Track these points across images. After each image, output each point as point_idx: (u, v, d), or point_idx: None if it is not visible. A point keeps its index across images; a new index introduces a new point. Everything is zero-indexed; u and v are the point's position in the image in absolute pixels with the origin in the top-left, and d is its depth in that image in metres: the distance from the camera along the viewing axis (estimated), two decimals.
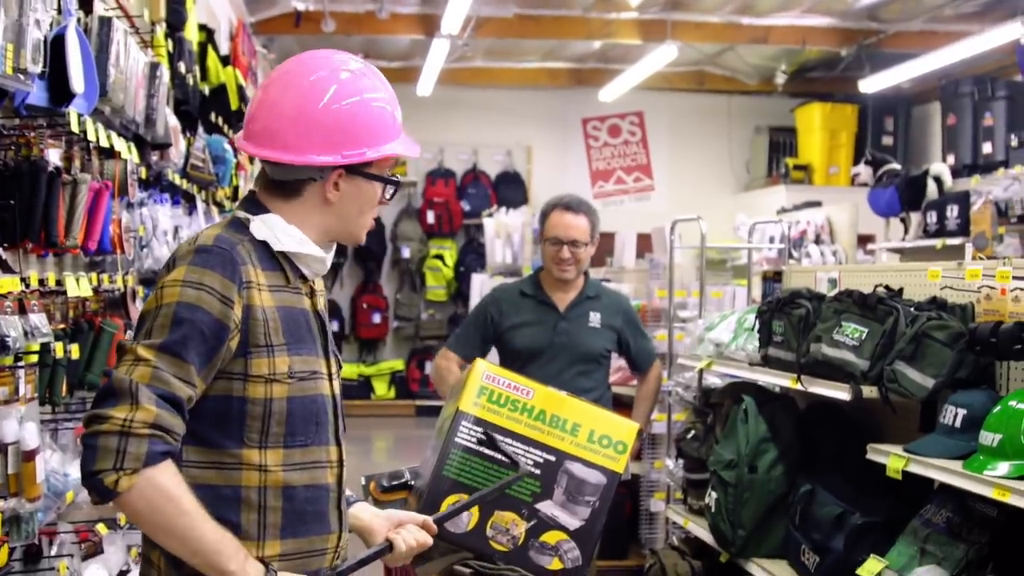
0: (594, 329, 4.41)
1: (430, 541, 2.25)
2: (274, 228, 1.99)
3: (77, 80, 3.17)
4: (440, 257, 12.75)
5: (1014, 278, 2.94)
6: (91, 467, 1.76)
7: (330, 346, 2.10)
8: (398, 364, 12.87)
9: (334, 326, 12.19)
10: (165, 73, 4.43)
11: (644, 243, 8.00)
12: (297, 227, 2.02)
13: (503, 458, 2.79)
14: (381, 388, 12.73)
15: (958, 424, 2.97)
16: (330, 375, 2.07)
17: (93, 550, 3.41)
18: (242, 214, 2.02)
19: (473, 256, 12.38)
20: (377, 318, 12.87)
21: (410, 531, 2.22)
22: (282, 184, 2.03)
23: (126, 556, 3.64)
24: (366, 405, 12.28)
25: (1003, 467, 2.72)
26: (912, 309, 3.23)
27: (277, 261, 2.00)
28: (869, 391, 3.22)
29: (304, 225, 2.03)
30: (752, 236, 5.86)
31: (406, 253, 12.80)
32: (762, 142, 12.92)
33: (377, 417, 12.04)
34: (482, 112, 12.88)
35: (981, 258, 3.94)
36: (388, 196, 2.10)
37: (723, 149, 13.07)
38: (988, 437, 2.79)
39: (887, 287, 3.50)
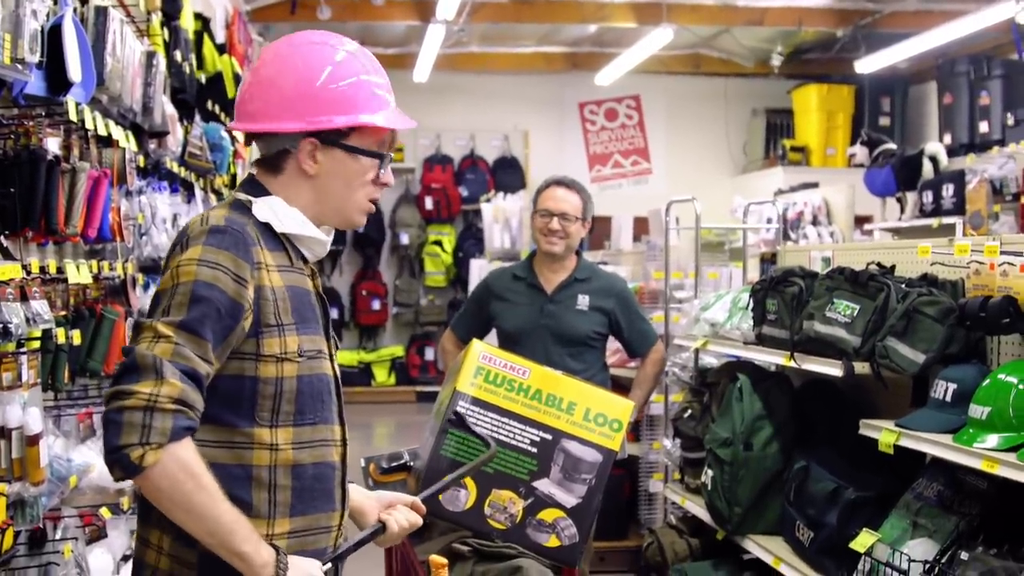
0: (581, 312, 4.44)
1: (420, 521, 2.26)
2: (276, 210, 2.01)
3: (74, 69, 3.20)
4: (439, 243, 12.79)
5: (1002, 253, 2.98)
6: (116, 442, 1.75)
7: (330, 327, 2.13)
8: (398, 350, 12.91)
9: (334, 313, 12.23)
10: (162, 62, 4.46)
11: (641, 226, 8.04)
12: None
13: (481, 439, 2.82)
14: (381, 374, 12.78)
15: (949, 398, 3.02)
16: (331, 355, 2.09)
17: (97, 534, 3.46)
18: (243, 196, 2.03)
19: (472, 241, 12.42)
20: (377, 304, 12.91)
21: (401, 512, 2.22)
22: (266, 161, 2.06)
23: (129, 540, 3.70)
24: (367, 392, 12.33)
25: (992, 439, 2.76)
26: (903, 286, 3.27)
27: (280, 242, 2.01)
28: (861, 367, 3.26)
29: (295, 204, 2.04)
30: (747, 217, 5.89)
31: (405, 239, 12.83)
32: (759, 124, 12.95)
33: (378, 404, 12.09)
34: (479, 97, 12.90)
35: (973, 235, 3.98)
36: (382, 176, 2.07)
37: (720, 132, 13.09)
38: (977, 410, 2.83)
39: (879, 264, 3.54)
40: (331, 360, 2.09)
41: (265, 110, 2.02)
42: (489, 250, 9.43)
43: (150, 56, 4.27)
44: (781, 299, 3.72)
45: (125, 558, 3.62)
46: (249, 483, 1.93)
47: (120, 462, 1.76)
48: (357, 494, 2.25)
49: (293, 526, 1.97)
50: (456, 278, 12.63)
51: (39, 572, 3.12)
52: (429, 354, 12.74)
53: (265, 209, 2.00)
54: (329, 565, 2.04)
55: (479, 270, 8.86)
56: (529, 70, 12.75)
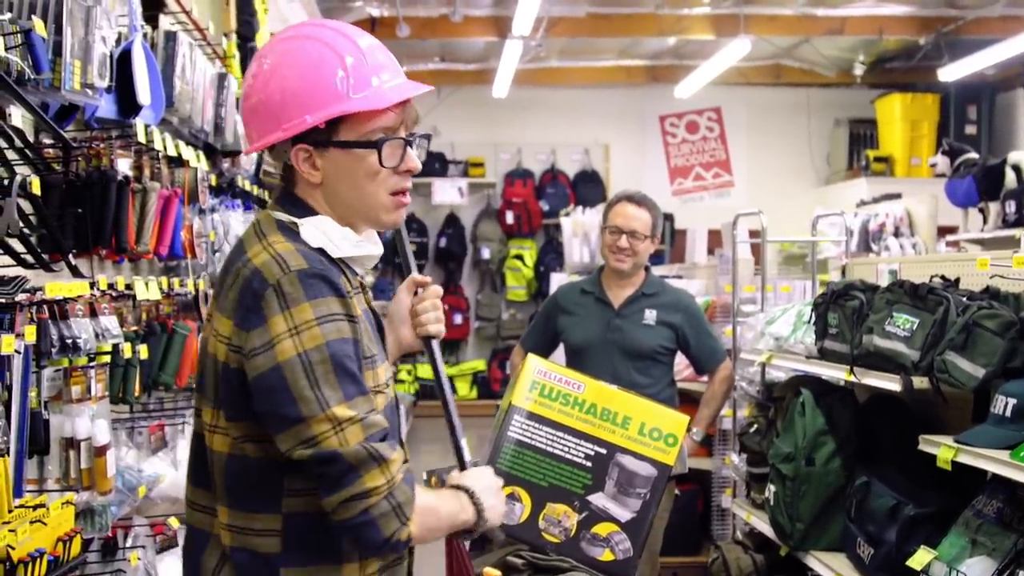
0: (648, 327, 4.44)
1: (438, 290, 2.25)
2: (328, 233, 1.86)
3: (143, 93, 3.31)
4: (520, 257, 12.85)
5: None
6: (381, 537, 1.75)
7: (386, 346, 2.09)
8: (480, 364, 12.99)
9: None
10: (234, 83, 4.57)
11: (715, 239, 8.00)
12: None
13: (558, 450, 2.84)
14: (463, 388, 12.87)
15: (1008, 413, 2.96)
16: (391, 378, 2.01)
17: (167, 543, 3.55)
18: (285, 217, 1.87)
19: (552, 255, 12.46)
20: (459, 319, 13.01)
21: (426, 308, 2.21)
22: (283, 179, 1.94)
23: None
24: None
25: None
26: (964, 299, 3.22)
27: (337, 265, 1.86)
28: (920, 382, 3.22)
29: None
30: (816, 230, 5.83)
31: (486, 254, 12.91)
32: (842, 135, 12.78)
33: (462, 418, 12.15)
34: (559, 112, 12.94)
35: None
36: (405, 161, 1.89)
37: (803, 143, 12.96)
38: None
39: (943, 277, 3.49)
40: (393, 384, 2.04)
41: (255, 129, 1.89)
42: (569, 264, 9.45)
43: (221, 78, 4.39)
44: (842, 313, 3.69)
45: None
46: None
47: (395, 549, 1.80)
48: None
49: (381, 563, 1.92)
50: (537, 292, 12.68)
51: None
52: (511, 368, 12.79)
53: (316, 234, 1.85)
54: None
55: (559, 284, 8.88)
56: (609, 83, 12.76)
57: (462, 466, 2.26)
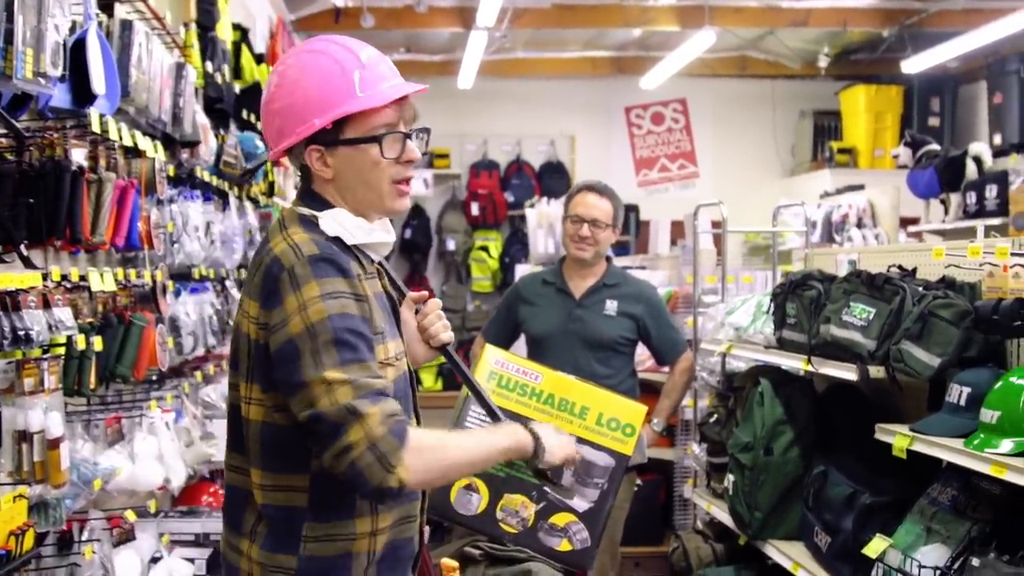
0: (609, 317, 4.47)
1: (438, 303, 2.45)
2: (343, 223, 2.09)
3: (98, 82, 3.28)
4: (485, 248, 12.82)
5: (1013, 254, 2.96)
6: (370, 487, 1.90)
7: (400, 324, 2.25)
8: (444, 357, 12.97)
9: None
10: (192, 72, 4.53)
11: (679, 230, 8.03)
12: None
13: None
14: (428, 379, 12.85)
15: (963, 402, 2.99)
16: (403, 353, 2.20)
17: (124, 537, 3.53)
18: (306, 211, 2.11)
19: (518, 247, 12.44)
20: None
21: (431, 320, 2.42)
22: (302, 178, 2.17)
23: (157, 543, 3.77)
24: (437, 395, 12.37)
25: (1006, 444, 2.74)
26: (920, 288, 3.25)
27: (352, 252, 2.10)
28: (876, 371, 3.25)
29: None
30: (777, 220, 5.87)
31: (451, 245, 12.88)
32: (807, 126, 12.83)
33: (425, 408, 12.02)
34: (524, 103, 12.92)
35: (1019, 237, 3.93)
36: (406, 152, 2.11)
37: (768, 134, 13.00)
38: (988, 414, 2.81)
39: (900, 267, 3.52)
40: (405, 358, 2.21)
41: (272, 135, 2.14)
42: (534, 255, 9.46)
43: (179, 67, 4.35)
44: (800, 303, 3.72)
45: (153, 560, 3.69)
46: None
47: (388, 495, 1.92)
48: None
49: (393, 518, 2.11)
50: (502, 283, 12.65)
51: (66, 573, 3.20)
52: None
53: (332, 224, 2.08)
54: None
55: (524, 275, 8.89)
56: (574, 75, 12.75)
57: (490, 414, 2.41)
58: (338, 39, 2.15)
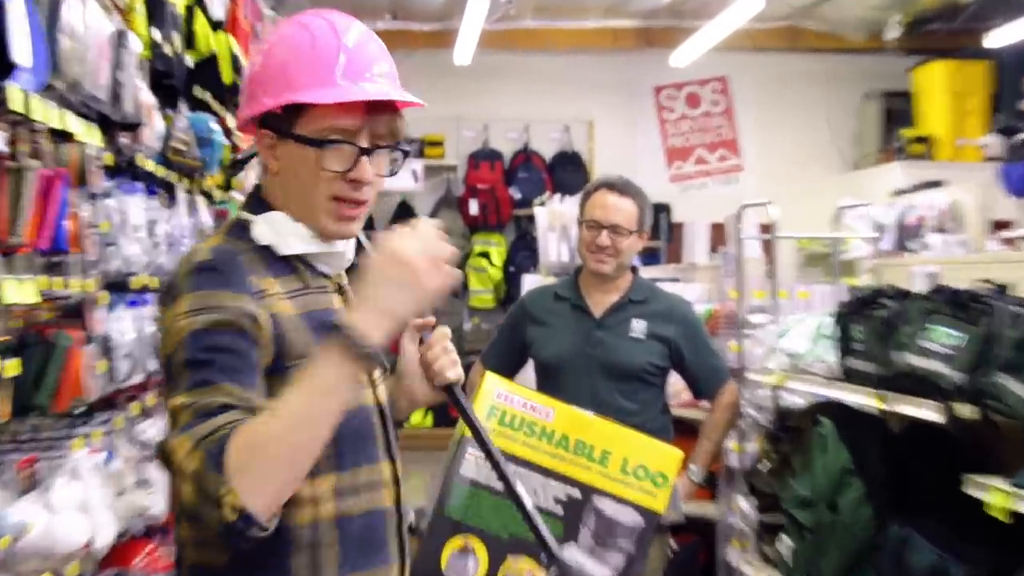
0: (636, 340, 4.41)
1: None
2: (278, 229, 2.11)
3: (20, 51, 3.25)
4: (486, 255, 12.82)
5: None
6: (221, 533, 1.80)
7: None
8: None
9: None
10: (135, 42, 4.50)
11: (720, 234, 7.98)
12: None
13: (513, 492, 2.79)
14: (416, 415, 12.80)
15: None
16: (372, 382, 2.19)
17: None
18: (245, 215, 2.14)
19: (525, 253, 12.44)
20: None
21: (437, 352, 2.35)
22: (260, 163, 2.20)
23: None
24: (430, 434, 12.32)
25: None
26: (1017, 308, 3.19)
27: (290, 264, 2.11)
28: (965, 410, 3.19)
29: (284, 210, 2.13)
30: (839, 223, 5.82)
31: None
32: (872, 110, 12.81)
33: (412, 450, 12.00)
34: (534, 82, 12.91)
35: None
36: (338, 166, 2.06)
37: (825, 120, 12.99)
38: None
39: (990, 282, 3.47)
40: (373, 388, 2.19)
41: (241, 105, 2.18)
42: (544, 264, 9.42)
43: (120, 35, 4.32)
44: (869, 325, 3.67)
45: None
46: (289, 547, 1.99)
47: (239, 534, 1.79)
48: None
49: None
50: (506, 297, 12.64)
51: None
52: None
53: (263, 230, 2.11)
54: None
55: (533, 288, 8.86)
56: (594, 48, 12.75)
57: (547, 552, 2.36)
58: (331, 15, 2.15)
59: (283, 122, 2.08)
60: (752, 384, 4.92)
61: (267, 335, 1.96)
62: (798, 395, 4.69)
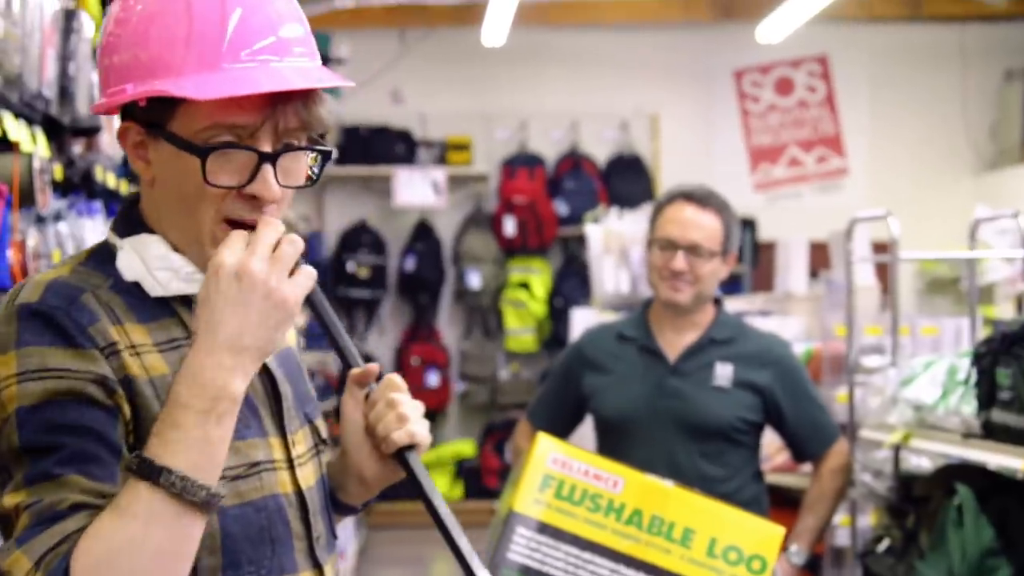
0: (720, 390, 4.44)
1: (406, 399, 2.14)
2: (148, 258, 1.99)
3: None
4: (525, 286, 12.83)
5: None
6: None
7: (288, 413, 2.08)
8: (466, 447, 12.96)
9: None
10: (88, 24, 4.55)
11: (821, 256, 7.99)
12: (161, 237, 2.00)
13: None
14: (442, 483, 12.82)
15: None
16: (290, 460, 2.06)
17: None
18: (112, 237, 2.04)
19: (574, 283, 12.44)
20: (434, 379, 12.97)
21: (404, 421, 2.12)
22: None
23: None
24: (420, 510, 12.34)
25: None
26: None
27: (169, 305, 2.00)
28: None
29: (161, 234, 2.01)
30: (977, 240, 5.82)
31: (475, 281, 12.90)
32: (1016, 95, 12.76)
33: (432, 528, 12.10)
34: (582, 67, 12.93)
35: None
36: (228, 179, 1.92)
37: (955, 108, 12.96)
38: None
39: None
40: (291, 468, 2.05)
41: (101, 83, 2.03)
42: (598, 296, 9.45)
43: (68, 15, 4.37)
44: (1019, 368, 3.67)
45: None
46: None
47: None
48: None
49: None
50: (551, 338, 12.65)
51: None
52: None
53: (132, 260, 1.99)
54: None
55: (585, 325, 8.86)
56: (657, 23, 12.78)
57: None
58: None
59: (152, 114, 1.93)
60: (866, 444, 4.92)
61: (119, 401, 1.87)
62: (925, 456, 4.68)
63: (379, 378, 2.16)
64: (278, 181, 1.94)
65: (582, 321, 9.06)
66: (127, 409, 1.88)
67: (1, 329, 1.88)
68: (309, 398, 2.19)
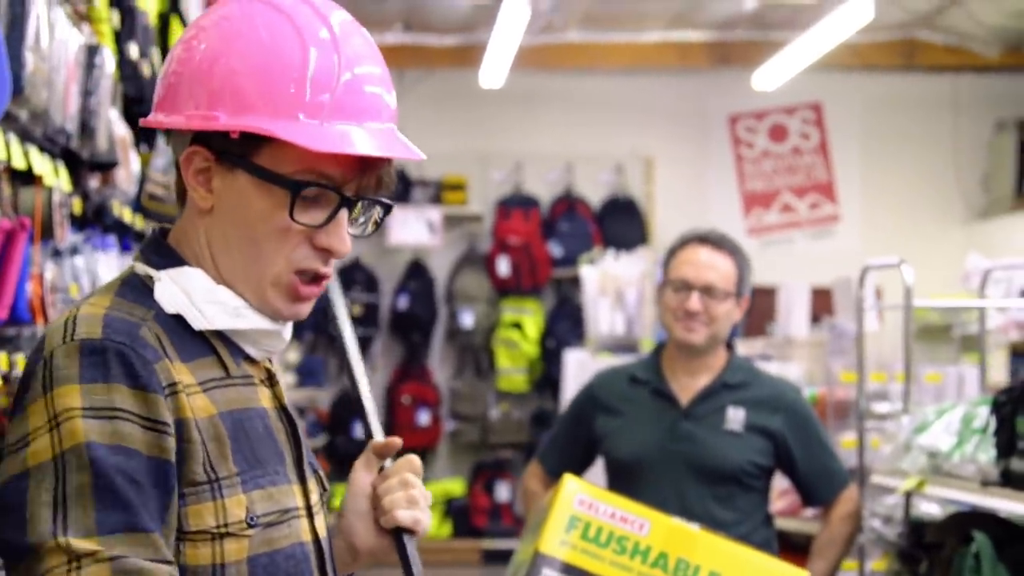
0: (733, 434, 4.44)
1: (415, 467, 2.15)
2: (192, 291, 1.94)
3: None
4: (518, 326, 12.84)
5: None
6: None
7: (306, 460, 2.07)
8: (456, 487, 12.93)
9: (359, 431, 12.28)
10: (109, 59, 4.55)
11: (822, 302, 8.00)
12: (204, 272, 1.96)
13: None
14: (432, 523, 12.80)
15: None
16: (309, 508, 2.04)
17: None
18: (142, 267, 1.98)
19: (567, 324, 12.46)
20: (425, 417, 12.96)
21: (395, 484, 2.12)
22: (178, 200, 2.03)
23: None
24: None
25: None
26: None
27: (205, 340, 1.95)
28: None
29: (203, 266, 1.97)
30: (986, 288, 5.83)
31: (467, 320, 12.90)
32: (1008, 144, 12.77)
33: (427, 566, 12.06)
34: (579, 110, 12.98)
35: None
36: (311, 219, 1.93)
37: (946, 156, 13.01)
38: None
39: None
40: (310, 517, 2.03)
41: (161, 99, 1.98)
42: (593, 337, 9.46)
43: (91, 51, 4.37)
44: None
45: None
46: None
47: None
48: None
49: None
50: (544, 378, 12.65)
51: None
52: (503, 493, 12.72)
53: (173, 292, 1.94)
54: None
55: (578, 367, 8.87)
56: (654, 68, 12.81)
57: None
58: (324, 4, 2.00)
59: (236, 146, 1.90)
60: (876, 489, 4.92)
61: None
62: (936, 503, 4.68)
63: (400, 454, 2.14)
64: (350, 227, 1.97)
65: (575, 362, 9.09)
66: (173, 455, 1.83)
67: (61, 363, 1.80)
68: (308, 447, 2.15)
